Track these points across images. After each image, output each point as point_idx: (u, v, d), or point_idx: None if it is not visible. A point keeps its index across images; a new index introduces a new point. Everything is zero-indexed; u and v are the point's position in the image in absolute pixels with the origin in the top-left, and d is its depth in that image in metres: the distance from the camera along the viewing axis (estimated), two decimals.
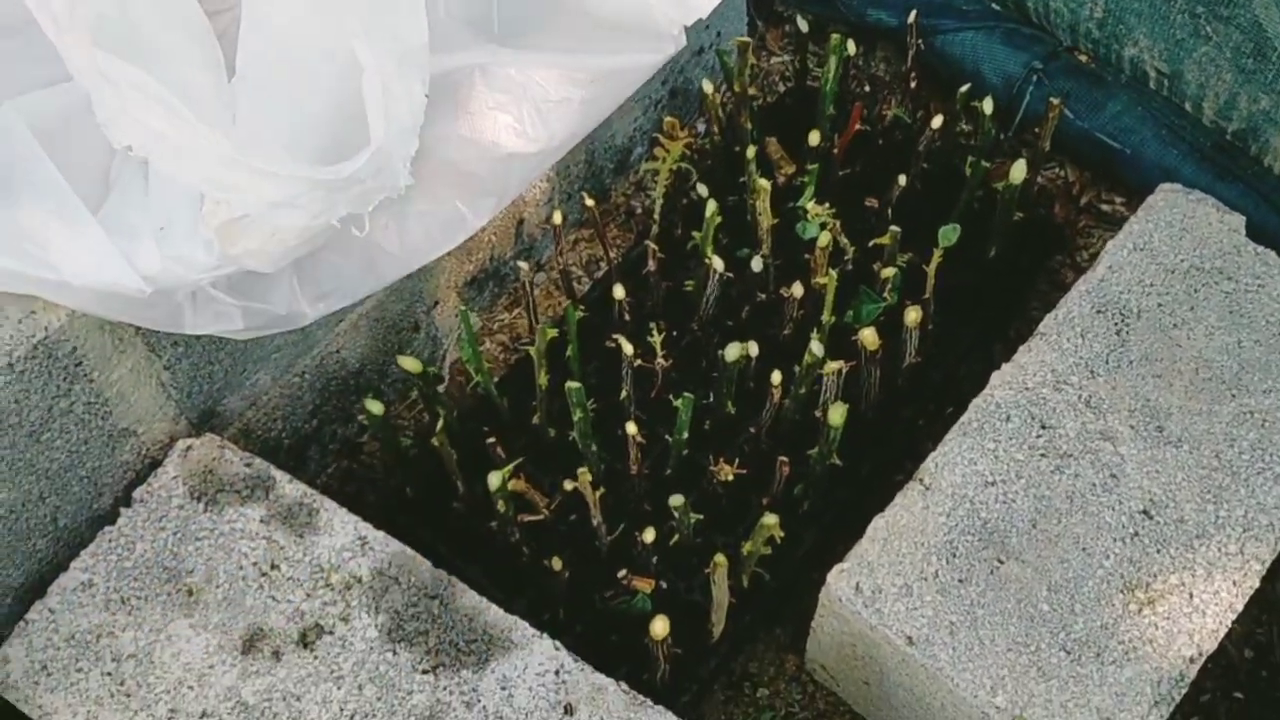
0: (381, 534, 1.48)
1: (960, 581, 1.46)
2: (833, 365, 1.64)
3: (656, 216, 1.96)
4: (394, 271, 1.50)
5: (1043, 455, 1.54)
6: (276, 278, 1.38)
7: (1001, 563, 1.47)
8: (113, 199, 1.30)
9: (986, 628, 1.42)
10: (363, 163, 1.17)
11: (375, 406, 1.60)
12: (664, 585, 1.71)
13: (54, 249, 1.27)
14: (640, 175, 2.23)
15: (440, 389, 2.03)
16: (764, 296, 1.92)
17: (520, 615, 1.66)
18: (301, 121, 1.22)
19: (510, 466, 1.56)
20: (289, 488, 1.51)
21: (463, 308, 1.68)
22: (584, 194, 1.85)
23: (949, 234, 1.72)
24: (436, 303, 1.92)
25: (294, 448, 1.80)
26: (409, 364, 1.62)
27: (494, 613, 1.43)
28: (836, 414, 1.58)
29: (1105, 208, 2.09)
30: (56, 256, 1.27)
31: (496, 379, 1.93)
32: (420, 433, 1.89)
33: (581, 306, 1.96)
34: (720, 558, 1.49)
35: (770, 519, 1.52)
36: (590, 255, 2.15)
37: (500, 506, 1.58)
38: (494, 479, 1.54)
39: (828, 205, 1.86)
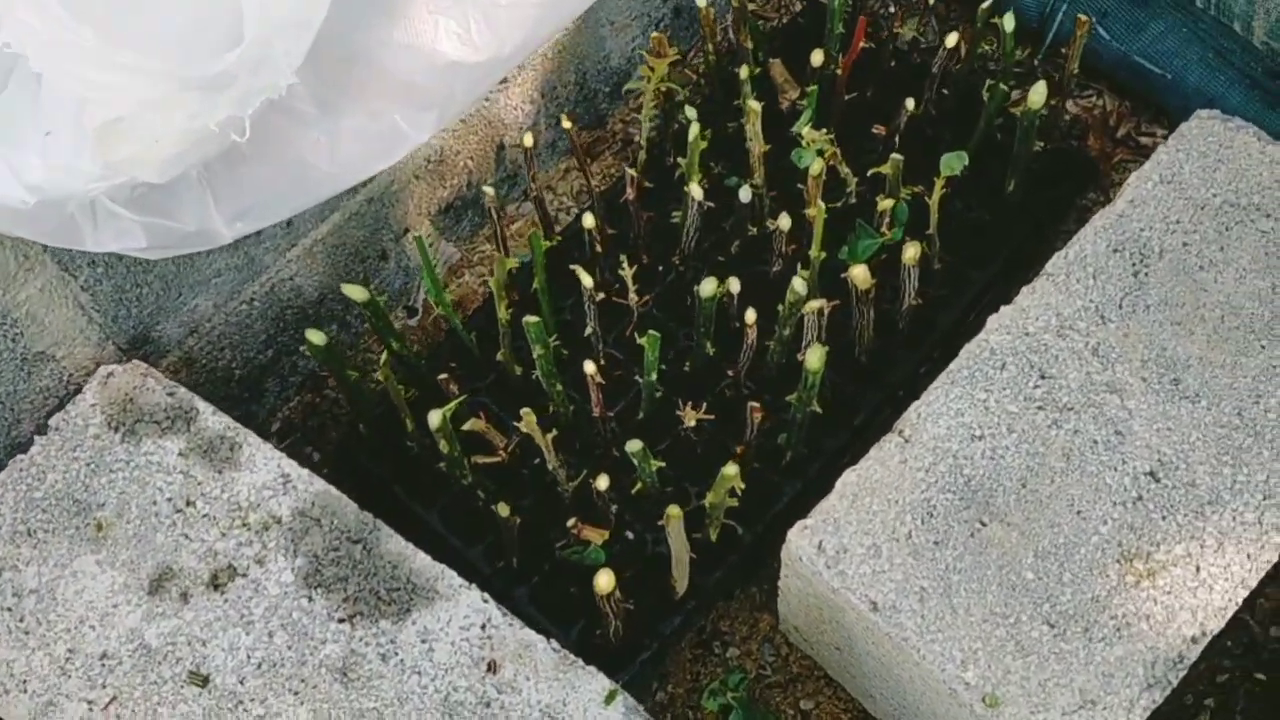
0: (306, 472, 1.38)
1: (935, 544, 1.31)
2: (813, 304, 1.50)
3: (643, 141, 1.81)
4: (325, 189, 1.38)
5: (1040, 408, 1.38)
6: (184, 192, 1.26)
7: (984, 525, 1.32)
8: None
9: (961, 595, 1.28)
10: (234, 59, 1.05)
11: (316, 337, 1.48)
12: (630, 535, 1.59)
13: None
14: (640, 100, 2.08)
15: (413, 323, 1.93)
16: (755, 231, 1.77)
17: (476, 561, 1.55)
18: (179, 18, 1.10)
19: (453, 404, 1.44)
20: (212, 420, 1.41)
21: (418, 234, 1.56)
22: (562, 115, 1.70)
23: (952, 162, 1.55)
24: (406, 230, 1.80)
25: (248, 378, 1.70)
26: (354, 292, 1.50)
27: (420, 560, 1.32)
28: (815, 357, 1.44)
29: (1145, 140, 1.90)
30: None
31: (471, 313, 1.82)
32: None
33: (560, 237, 1.83)
34: (674, 509, 1.36)
35: (731, 469, 1.38)
36: (581, 185, 2.01)
37: (444, 446, 1.47)
38: (434, 417, 1.41)
39: (826, 131, 1.69)
